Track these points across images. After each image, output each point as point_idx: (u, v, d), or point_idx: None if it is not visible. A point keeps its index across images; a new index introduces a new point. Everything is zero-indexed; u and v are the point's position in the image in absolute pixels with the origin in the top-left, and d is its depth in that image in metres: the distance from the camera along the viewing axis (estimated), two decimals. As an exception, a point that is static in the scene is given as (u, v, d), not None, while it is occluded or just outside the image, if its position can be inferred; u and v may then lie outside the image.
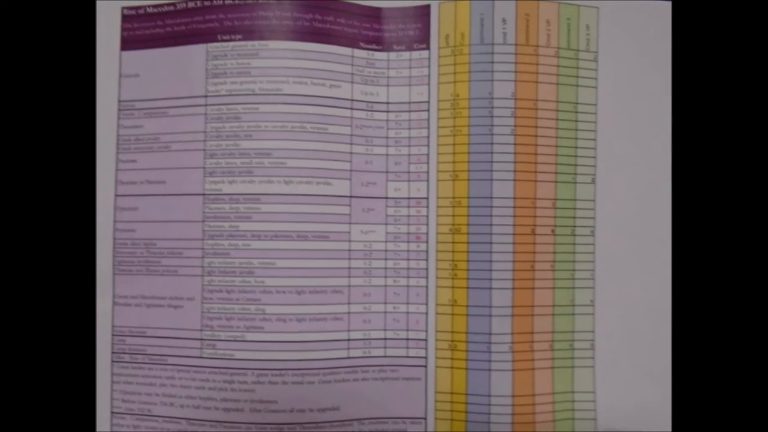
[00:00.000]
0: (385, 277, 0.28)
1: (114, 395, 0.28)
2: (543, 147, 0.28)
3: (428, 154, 0.28)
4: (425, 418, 0.27)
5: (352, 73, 0.28)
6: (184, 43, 0.28)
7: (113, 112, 0.28)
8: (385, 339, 0.28)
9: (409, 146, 0.28)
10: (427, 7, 0.28)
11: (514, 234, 0.27)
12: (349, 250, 0.28)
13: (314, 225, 0.27)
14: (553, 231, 0.28)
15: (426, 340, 0.28)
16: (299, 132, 0.27)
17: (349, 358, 0.27)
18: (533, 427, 0.27)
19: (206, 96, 0.28)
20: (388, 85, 0.28)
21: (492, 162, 0.27)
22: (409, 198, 0.28)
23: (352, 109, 0.28)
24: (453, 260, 0.27)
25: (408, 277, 0.28)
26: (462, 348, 0.27)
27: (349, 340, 0.27)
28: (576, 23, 0.28)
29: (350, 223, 0.28)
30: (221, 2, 0.28)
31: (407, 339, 0.28)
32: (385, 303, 0.28)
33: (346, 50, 0.28)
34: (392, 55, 0.28)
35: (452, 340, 0.27)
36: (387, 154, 0.28)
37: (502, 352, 0.27)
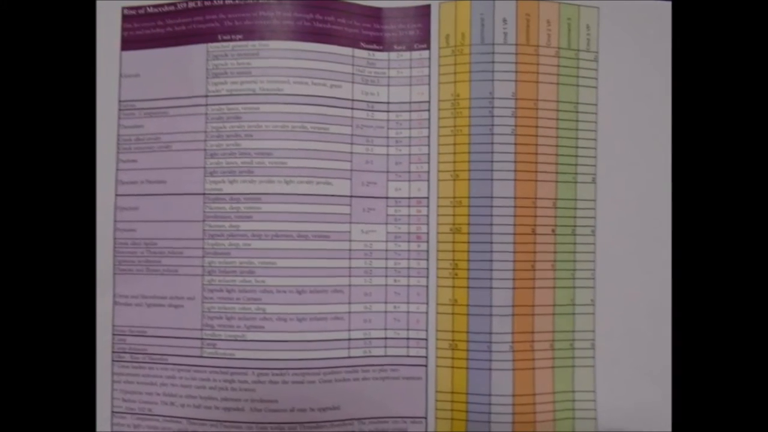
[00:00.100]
0: (386, 276, 0.28)
1: (114, 395, 0.28)
2: (543, 147, 0.28)
3: (429, 154, 0.28)
4: (426, 418, 0.27)
5: (353, 73, 0.28)
6: (185, 43, 0.28)
7: (114, 112, 0.28)
8: (386, 338, 0.28)
9: (409, 146, 0.28)
10: (428, 7, 0.28)
11: (514, 234, 0.27)
12: (350, 250, 0.28)
13: (315, 225, 0.27)
14: (553, 231, 0.28)
15: (426, 339, 0.28)
16: (300, 132, 0.27)
17: (349, 357, 0.27)
18: (534, 426, 0.27)
19: (207, 96, 0.28)
20: (388, 85, 0.28)
21: (492, 162, 0.27)
22: (409, 198, 0.28)
23: (352, 108, 0.28)
24: (453, 260, 0.27)
25: (408, 276, 0.28)
26: (462, 347, 0.27)
27: (349, 339, 0.27)
28: (576, 23, 0.28)
29: (351, 223, 0.28)
30: (222, 2, 0.28)
31: (408, 338, 0.28)
32: (386, 302, 0.28)
33: (347, 50, 0.28)
34: (393, 55, 0.28)
35: (453, 340, 0.27)
36: (387, 154, 0.28)
37: (502, 351, 0.27)
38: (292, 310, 0.27)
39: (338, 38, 0.28)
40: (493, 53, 0.28)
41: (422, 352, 0.28)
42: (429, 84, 0.28)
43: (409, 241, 0.28)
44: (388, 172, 0.28)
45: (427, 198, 0.28)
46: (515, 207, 0.27)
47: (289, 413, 0.27)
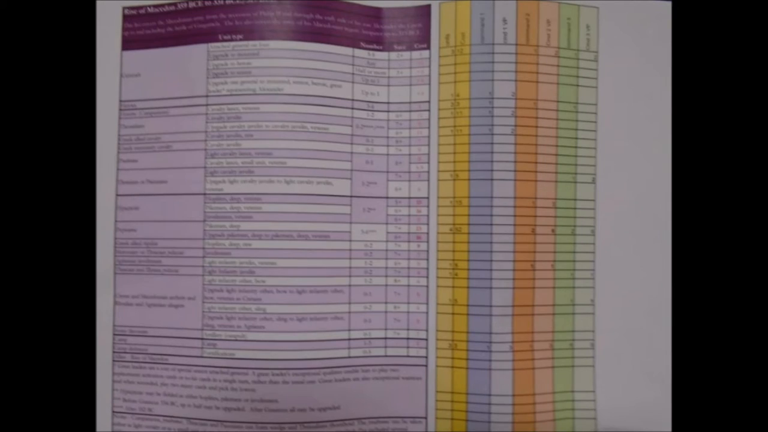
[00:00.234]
0: (386, 276, 0.28)
1: (115, 394, 0.28)
2: (543, 147, 0.28)
3: (429, 154, 0.28)
4: (426, 418, 0.27)
5: (353, 73, 0.28)
6: (185, 43, 0.28)
7: (114, 111, 0.28)
8: (386, 338, 0.28)
9: (409, 146, 0.28)
10: (428, 7, 0.28)
11: (514, 233, 0.27)
12: (350, 250, 0.28)
13: (315, 224, 0.27)
14: (553, 230, 0.28)
15: (426, 339, 0.28)
16: (300, 132, 0.27)
17: (349, 357, 0.27)
18: (533, 426, 0.27)
19: (207, 96, 0.28)
20: (388, 85, 0.28)
21: (492, 162, 0.27)
22: (409, 198, 0.28)
23: (352, 108, 0.28)
24: (453, 260, 0.28)
25: (408, 276, 0.28)
26: (462, 347, 0.27)
27: (349, 339, 0.27)
28: (576, 23, 0.28)
29: (351, 223, 0.28)
30: (222, 2, 0.28)
31: (408, 338, 0.28)
32: (386, 302, 0.28)
33: (347, 50, 0.28)
34: (393, 55, 0.28)
35: (453, 340, 0.27)
36: (388, 154, 0.28)
37: (502, 351, 0.27)
38: (293, 310, 0.27)
39: (338, 38, 0.28)
40: (493, 53, 0.28)
41: (422, 352, 0.28)
42: (429, 84, 0.28)
43: (409, 241, 0.28)
44: (388, 172, 0.28)
45: (427, 198, 0.28)
46: (515, 207, 0.27)
47: (289, 413, 0.27)
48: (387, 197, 0.28)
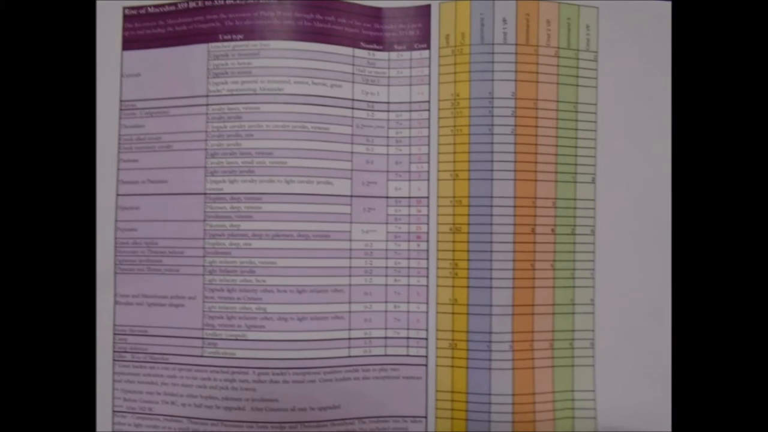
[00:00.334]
0: (386, 276, 0.28)
1: (115, 394, 0.28)
2: (543, 146, 0.28)
3: (429, 154, 0.28)
4: (426, 417, 0.28)
5: (353, 73, 0.28)
6: (186, 43, 0.28)
7: (115, 111, 0.28)
8: (386, 338, 0.28)
9: (409, 146, 0.28)
10: (428, 7, 0.28)
11: (514, 233, 0.27)
12: (350, 249, 0.28)
13: (315, 224, 0.27)
14: (553, 230, 0.28)
15: (426, 339, 0.28)
16: (300, 131, 0.27)
17: (349, 357, 0.27)
18: (533, 425, 0.27)
19: (207, 96, 0.28)
20: (388, 85, 0.28)
21: (492, 161, 0.27)
22: (409, 197, 0.28)
23: (353, 108, 0.28)
24: (453, 259, 0.28)
25: (408, 276, 0.28)
26: (462, 347, 0.27)
27: (349, 339, 0.27)
28: (576, 23, 0.28)
29: (351, 222, 0.28)
30: (222, 2, 0.28)
31: (408, 338, 0.28)
32: (386, 302, 0.28)
33: (347, 50, 0.28)
34: (393, 54, 0.28)
35: (453, 339, 0.27)
36: (388, 154, 0.28)
37: (502, 351, 0.27)
38: (293, 310, 0.27)
39: (338, 38, 0.28)
40: (493, 53, 0.28)
41: (422, 352, 0.28)
42: (429, 84, 0.28)
43: (409, 241, 0.28)
44: (388, 171, 0.28)
45: (427, 198, 0.28)
46: (515, 207, 0.27)
47: (289, 412, 0.27)
48: (387, 197, 0.28)
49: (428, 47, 0.28)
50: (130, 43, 0.28)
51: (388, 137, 0.28)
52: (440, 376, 0.28)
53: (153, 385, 0.28)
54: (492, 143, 0.27)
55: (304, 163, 0.27)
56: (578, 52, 0.28)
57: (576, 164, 0.28)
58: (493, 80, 0.28)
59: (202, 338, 0.27)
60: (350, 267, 0.28)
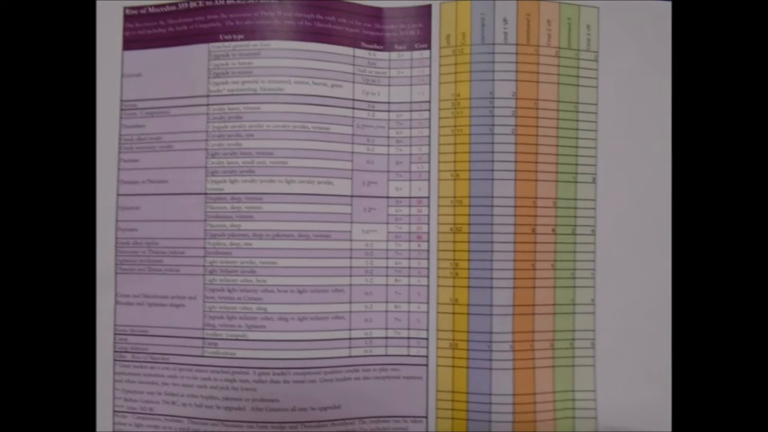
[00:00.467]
0: (387, 276, 0.28)
1: (116, 394, 0.28)
2: (544, 146, 0.28)
3: (429, 154, 0.28)
4: (426, 417, 0.28)
5: (354, 73, 0.28)
6: (186, 43, 0.28)
7: (115, 111, 0.28)
8: (387, 338, 0.28)
9: (410, 146, 0.28)
10: (428, 7, 0.28)
11: (514, 233, 0.27)
12: (351, 249, 0.28)
13: (316, 224, 0.27)
14: (553, 230, 0.28)
15: (427, 339, 0.28)
16: (301, 131, 0.27)
17: (350, 357, 0.27)
18: (534, 425, 0.27)
19: (208, 96, 0.28)
20: (389, 85, 0.28)
21: (493, 161, 0.27)
22: (410, 197, 0.28)
23: (353, 108, 0.28)
24: (454, 259, 0.28)
25: (409, 276, 0.28)
26: (463, 347, 0.27)
27: (350, 339, 0.27)
28: (576, 23, 0.28)
29: (351, 222, 0.28)
30: (223, 2, 0.28)
31: (408, 338, 0.28)
32: (387, 302, 0.28)
33: (348, 50, 0.28)
34: (393, 54, 0.28)
35: (453, 339, 0.27)
36: (388, 154, 0.28)
37: (503, 351, 0.27)
38: (293, 310, 0.27)
39: (339, 38, 0.28)
40: (494, 53, 0.28)
41: (423, 352, 0.28)
42: (430, 84, 0.28)
43: (409, 241, 0.28)
44: (388, 171, 0.28)
45: (428, 197, 0.28)
46: (515, 207, 0.27)
47: (290, 412, 0.27)
48: (387, 197, 0.28)
49: (429, 47, 0.28)
50: (130, 43, 0.28)
51: (388, 137, 0.28)
52: (441, 376, 0.28)
53: (153, 385, 0.28)
54: (493, 143, 0.27)
55: (305, 163, 0.27)
56: (579, 52, 0.28)
57: (577, 164, 0.28)
58: (493, 80, 0.28)
59: (203, 338, 0.27)
60: (351, 267, 0.28)
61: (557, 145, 0.28)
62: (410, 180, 0.28)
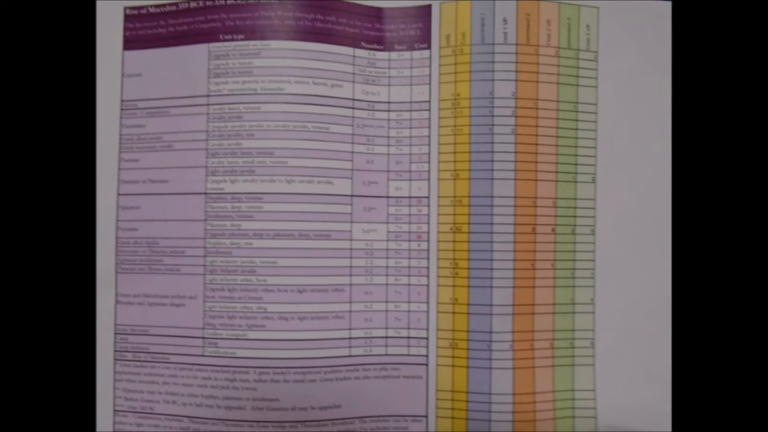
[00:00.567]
0: (387, 275, 0.28)
1: (116, 393, 0.28)
2: (544, 146, 0.28)
3: (429, 154, 0.28)
4: (426, 416, 0.28)
5: (354, 73, 0.28)
6: (187, 43, 0.28)
7: (116, 111, 0.28)
8: (387, 337, 0.28)
9: (410, 145, 0.28)
10: (428, 7, 0.28)
11: (514, 233, 0.27)
12: (351, 249, 0.28)
13: (316, 224, 0.27)
14: (553, 230, 0.28)
15: (427, 338, 0.28)
16: (301, 131, 0.27)
17: (350, 356, 0.27)
18: (534, 425, 0.27)
19: (208, 95, 0.28)
20: (389, 85, 0.28)
21: (493, 161, 0.27)
22: (410, 197, 0.28)
23: (353, 108, 0.28)
24: (454, 259, 0.28)
25: (409, 275, 0.28)
26: (463, 346, 0.27)
27: (350, 338, 0.27)
28: (576, 23, 0.28)
29: (352, 222, 0.28)
30: (223, 2, 0.28)
31: (408, 337, 0.28)
32: (387, 301, 0.28)
33: (348, 50, 0.28)
34: (393, 54, 0.28)
35: (453, 339, 0.28)
36: (388, 154, 0.28)
37: (502, 350, 0.27)
38: (294, 309, 0.27)
39: (339, 38, 0.28)
40: (494, 53, 0.28)
41: (423, 351, 0.28)
42: (429, 84, 0.28)
43: (409, 240, 0.28)
44: (388, 171, 0.28)
45: (428, 197, 0.28)
46: (515, 206, 0.27)
47: (290, 412, 0.27)
48: (387, 196, 0.28)
49: (429, 47, 0.28)
50: (131, 43, 0.28)
51: (388, 137, 0.28)
52: (441, 375, 0.28)
53: (154, 385, 0.28)
54: (492, 143, 0.27)
55: (305, 162, 0.27)
56: (578, 52, 0.28)
57: (576, 164, 0.28)
58: (493, 80, 0.28)
59: (203, 338, 0.27)
60: (351, 266, 0.28)
61: (557, 145, 0.28)
62: (410, 180, 0.28)
